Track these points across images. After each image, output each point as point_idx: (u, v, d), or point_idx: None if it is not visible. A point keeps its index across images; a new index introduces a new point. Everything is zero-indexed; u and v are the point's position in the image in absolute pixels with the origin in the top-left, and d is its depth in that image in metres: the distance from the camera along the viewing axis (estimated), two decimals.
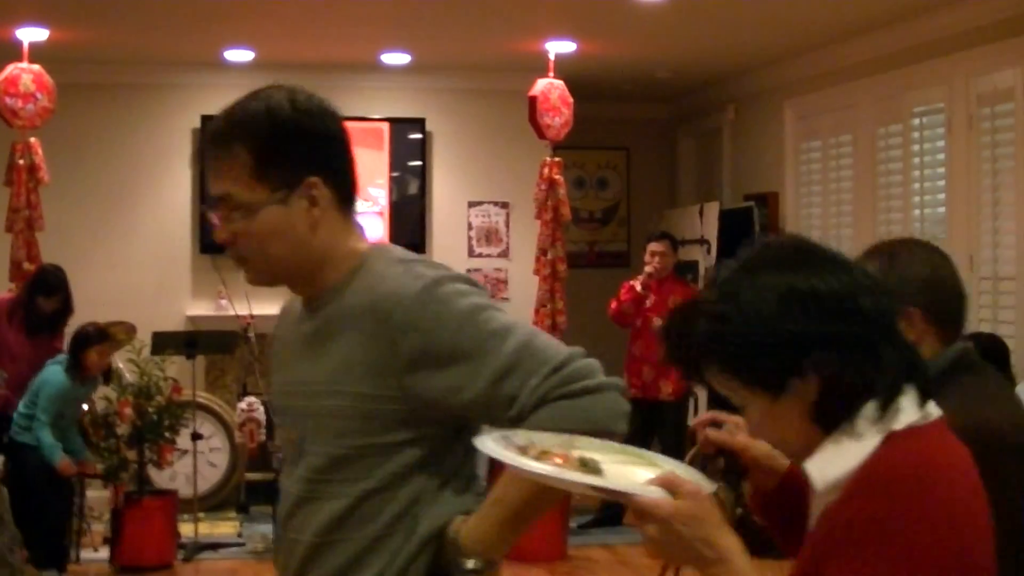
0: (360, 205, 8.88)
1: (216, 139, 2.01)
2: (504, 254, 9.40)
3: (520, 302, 8.79)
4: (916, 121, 7.15)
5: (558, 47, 8.01)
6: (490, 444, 1.67)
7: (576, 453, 1.65)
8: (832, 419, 1.54)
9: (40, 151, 7.36)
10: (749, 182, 9.21)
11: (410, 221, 9.18)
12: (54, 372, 6.61)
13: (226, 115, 2.03)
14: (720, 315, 1.56)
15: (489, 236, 9.41)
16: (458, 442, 2.01)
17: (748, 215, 8.71)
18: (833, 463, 1.54)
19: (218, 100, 2.19)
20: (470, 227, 9.38)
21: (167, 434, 7.06)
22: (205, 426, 8.07)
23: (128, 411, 6.87)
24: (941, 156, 6.93)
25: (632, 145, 10.75)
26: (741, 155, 9.48)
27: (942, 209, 6.95)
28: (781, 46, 8.09)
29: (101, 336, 6.69)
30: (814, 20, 7.23)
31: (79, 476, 6.83)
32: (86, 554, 7.04)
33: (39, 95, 7.30)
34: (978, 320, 6.51)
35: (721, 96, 9.64)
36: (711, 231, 9.01)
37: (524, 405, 1.90)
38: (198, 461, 7.57)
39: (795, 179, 8.54)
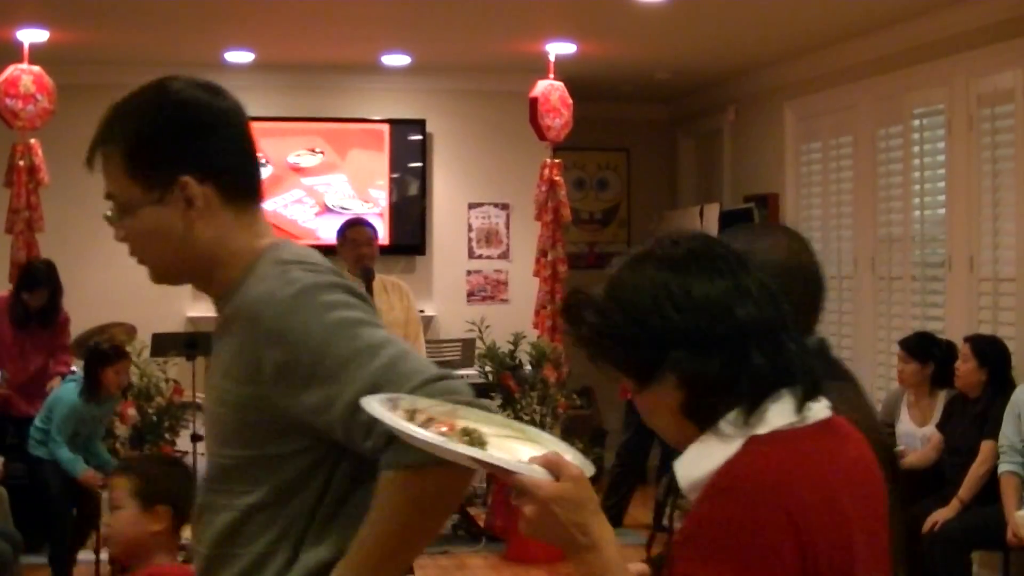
0: (361, 206, 8.85)
1: (97, 137, 1.95)
2: (504, 255, 9.40)
3: (520, 304, 8.79)
4: (916, 122, 7.15)
5: (558, 48, 8.01)
6: (376, 406, 1.62)
7: (461, 423, 1.64)
8: (702, 418, 1.56)
9: (40, 152, 7.36)
10: (749, 183, 9.20)
11: (410, 222, 9.18)
12: (68, 391, 6.40)
13: (107, 112, 1.96)
14: (599, 307, 1.59)
15: (489, 237, 9.41)
16: (345, 461, 1.85)
17: (748, 216, 8.70)
18: (696, 464, 1.55)
19: None
20: (470, 228, 9.38)
21: (167, 435, 7.04)
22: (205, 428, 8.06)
23: (132, 412, 6.84)
24: (941, 157, 6.92)
25: (632, 146, 10.74)
26: (741, 156, 9.48)
27: (942, 210, 6.94)
28: (781, 47, 8.08)
29: (118, 354, 6.43)
30: (814, 21, 7.23)
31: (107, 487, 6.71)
32: (85, 555, 7.01)
33: (39, 96, 7.30)
34: (978, 321, 6.50)
35: (721, 97, 9.63)
36: (712, 232, 8.99)
37: (378, 436, 1.74)
38: (198, 462, 7.55)
39: (795, 180, 8.54)
